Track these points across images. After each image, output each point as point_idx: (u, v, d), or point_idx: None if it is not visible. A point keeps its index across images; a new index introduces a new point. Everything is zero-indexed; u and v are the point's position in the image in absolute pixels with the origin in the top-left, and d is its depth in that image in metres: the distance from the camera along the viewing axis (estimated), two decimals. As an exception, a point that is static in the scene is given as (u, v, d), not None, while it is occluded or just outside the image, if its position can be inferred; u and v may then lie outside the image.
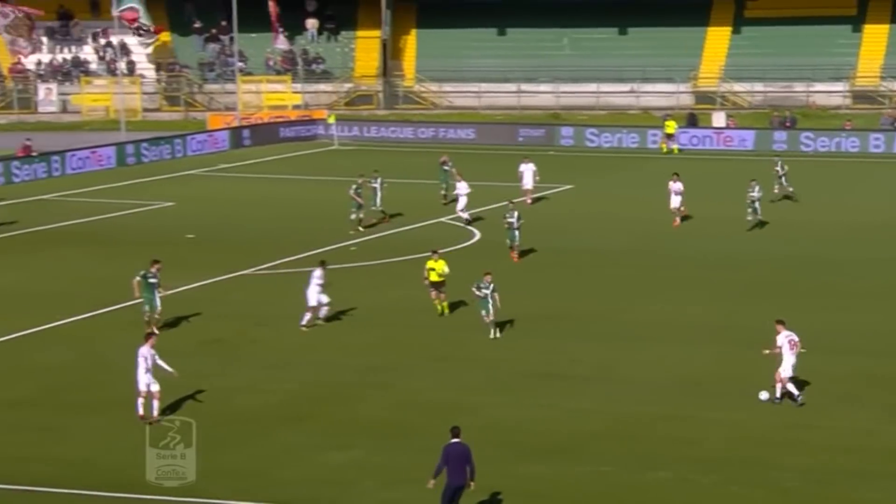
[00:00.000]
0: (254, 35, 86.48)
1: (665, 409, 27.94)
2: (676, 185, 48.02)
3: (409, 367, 30.97)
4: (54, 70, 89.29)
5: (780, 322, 28.31)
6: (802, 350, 27.98)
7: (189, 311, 35.61)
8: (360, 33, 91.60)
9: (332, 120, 75.52)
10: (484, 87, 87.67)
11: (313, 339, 33.34)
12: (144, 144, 68.80)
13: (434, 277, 35.48)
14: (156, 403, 27.20)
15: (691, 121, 75.48)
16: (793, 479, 24.28)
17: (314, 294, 34.20)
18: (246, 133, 75.67)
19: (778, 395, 27.89)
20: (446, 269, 35.49)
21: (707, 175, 60.78)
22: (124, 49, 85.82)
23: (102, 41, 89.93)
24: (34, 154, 63.72)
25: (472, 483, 21.75)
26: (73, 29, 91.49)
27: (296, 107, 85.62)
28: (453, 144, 74.18)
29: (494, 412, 27.75)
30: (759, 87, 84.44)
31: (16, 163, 61.96)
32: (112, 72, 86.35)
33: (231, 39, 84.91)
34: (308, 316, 34.16)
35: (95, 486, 23.81)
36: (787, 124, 73.83)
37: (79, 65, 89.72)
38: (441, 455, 21.71)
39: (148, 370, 27.20)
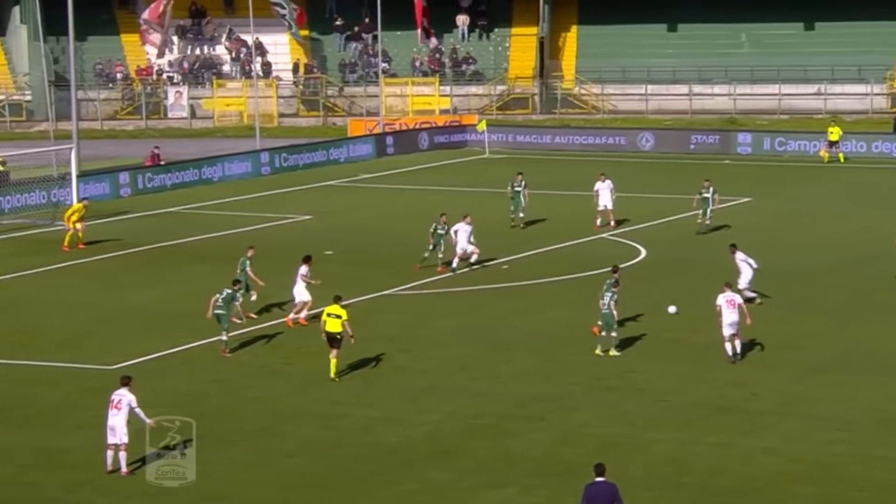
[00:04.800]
0: (399, 33, 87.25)
1: (858, 448, 27.31)
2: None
3: (569, 398, 30.78)
4: (185, 72, 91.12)
5: (727, 284, 33.70)
6: (747, 322, 32.71)
7: (328, 334, 35.87)
8: (515, 31, 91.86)
9: (483, 126, 75.76)
10: (652, 89, 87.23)
11: (462, 367, 33.36)
12: (281, 153, 69.77)
13: (333, 328, 31.96)
14: (124, 455, 25.97)
15: None
16: None
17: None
18: (389, 140, 76.31)
19: (730, 353, 32.86)
20: (345, 320, 31.95)
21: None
22: (260, 49, 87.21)
23: (236, 40, 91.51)
24: (162, 163, 65.05)
25: (622, 525, 21.50)
26: (205, 27, 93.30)
27: (444, 111, 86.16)
28: (617, 153, 73.88)
29: (663, 449, 27.43)
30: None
31: (143, 172, 63.31)
32: (246, 74, 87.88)
33: (375, 38, 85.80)
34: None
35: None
36: None
37: (211, 66, 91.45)
38: (582, 497, 21.49)
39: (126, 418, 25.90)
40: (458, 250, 43.03)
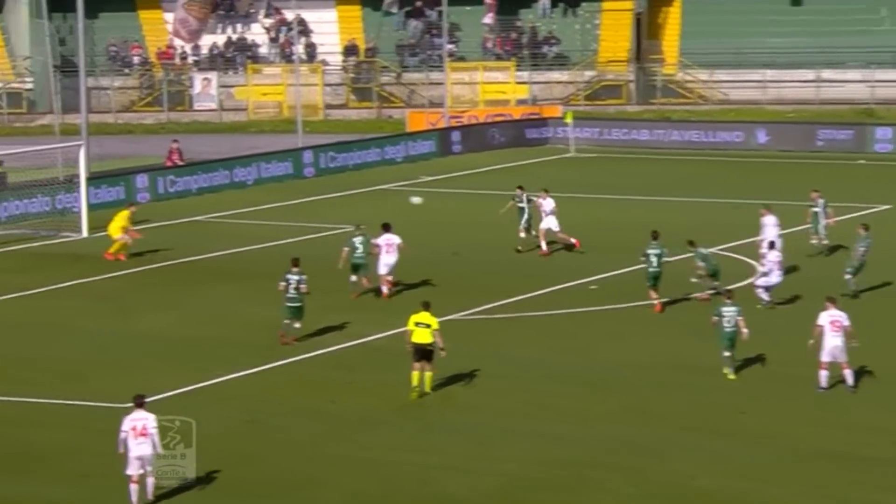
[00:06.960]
0: (468, 8, 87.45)
1: None
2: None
3: (668, 444, 30.62)
4: (214, 56, 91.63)
5: (831, 300, 33.60)
6: (854, 344, 33.01)
7: (380, 367, 35.86)
8: (606, 5, 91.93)
9: (568, 119, 75.73)
10: (771, 74, 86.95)
11: (540, 406, 33.24)
12: (327, 151, 69.97)
13: (420, 338, 33.16)
14: (151, 482, 27.00)
15: None
16: None
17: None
18: (456, 136, 76.46)
19: (824, 383, 33.12)
20: (436, 329, 33.20)
21: None
22: (303, 28, 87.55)
23: (276, 18, 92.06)
24: (186, 163, 65.36)
25: None
26: (238, 3, 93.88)
27: (521, 102, 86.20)
28: (728, 150, 73.56)
29: (784, 507, 27.23)
30: None
31: (164, 174, 63.65)
32: (287, 58, 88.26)
33: (439, 14, 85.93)
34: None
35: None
36: None
37: (245, 49, 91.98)
38: None
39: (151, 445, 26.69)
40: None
